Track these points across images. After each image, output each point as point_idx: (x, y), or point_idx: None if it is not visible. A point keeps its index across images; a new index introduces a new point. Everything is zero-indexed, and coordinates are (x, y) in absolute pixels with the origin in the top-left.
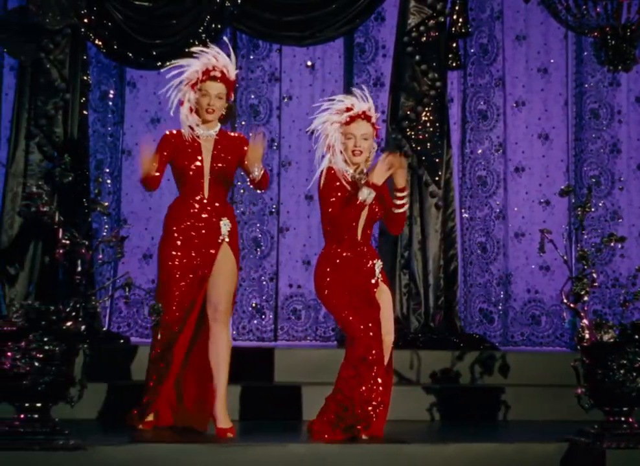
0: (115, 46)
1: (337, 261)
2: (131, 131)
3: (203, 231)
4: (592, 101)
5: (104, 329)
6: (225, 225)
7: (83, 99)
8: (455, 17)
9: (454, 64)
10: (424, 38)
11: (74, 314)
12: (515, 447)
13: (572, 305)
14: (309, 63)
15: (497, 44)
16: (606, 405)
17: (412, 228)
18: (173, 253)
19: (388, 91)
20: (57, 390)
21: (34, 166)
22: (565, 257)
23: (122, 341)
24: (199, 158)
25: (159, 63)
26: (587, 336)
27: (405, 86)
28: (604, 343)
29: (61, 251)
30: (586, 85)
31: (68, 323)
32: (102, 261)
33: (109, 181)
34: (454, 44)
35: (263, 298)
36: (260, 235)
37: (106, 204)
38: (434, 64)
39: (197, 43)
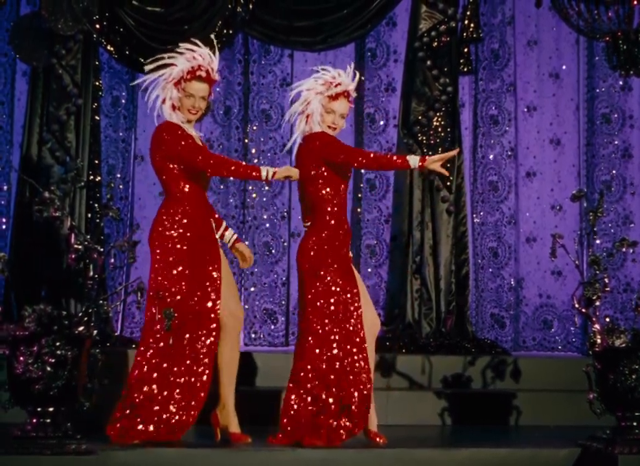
0: (127, 52)
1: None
2: (144, 136)
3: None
4: (604, 106)
5: (116, 334)
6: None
7: (95, 104)
8: (466, 22)
9: (465, 69)
10: (435, 43)
11: (86, 319)
12: (527, 452)
13: (583, 310)
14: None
15: (508, 49)
16: (618, 410)
17: (424, 233)
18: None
19: (400, 96)
20: (69, 395)
21: (46, 171)
22: (576, 262)
23: (134, 346)
24: None
25: None
26: (599, 341)
27: (417, 91)
28: (615, 349)
29: (73, 256)
30: (598, 90)
31: (80, 328)
32: (114, 266)
33: (121, 186)
34: (465, 50)
35: (275, 302)
36: (271, 240)
37: (118, 209)
38: (445, 69)
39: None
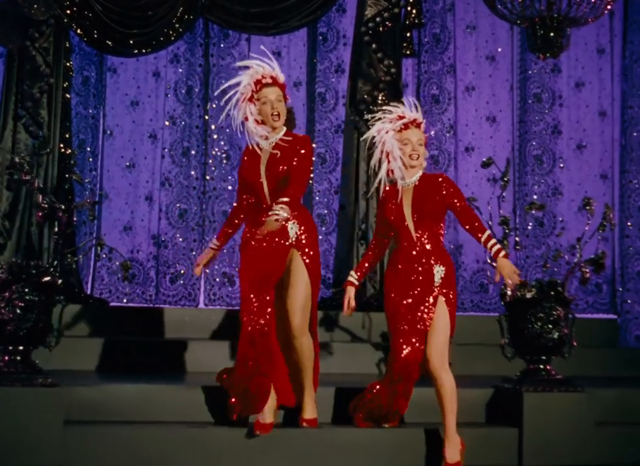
0: (95, 36)
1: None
2: (112, 113)
3: (275, 238)
4: (535, 86)
5: (87, 293)
6: (292, 228)
7: (66, 83)
8: (409, 8)
9: (408, 52)
10: (381, 28)
11: (52, 269)
12: None
13: (494, 265)
14: (275, 51)
15: (448, 34)
16: (527, 354)
17: (369, 203)
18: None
19: (348, 77)
20: (37, 335)
21: (21, 144)
22: (489, 223)
23: (100, 303)
24: (258, 171)
25: (136, 51)
26: (509, 293)
27: (363, 72)
28: (524, 299)
29: (40, 214)
30: (530, 72)
31: (47, 278)
32: (85, 233)
33: (90, 159)
34: (408, 34)
35: (233, 266)
36: (229, 208)
37: (85, 178)
38: (389, 52)
39: (171, 32)
